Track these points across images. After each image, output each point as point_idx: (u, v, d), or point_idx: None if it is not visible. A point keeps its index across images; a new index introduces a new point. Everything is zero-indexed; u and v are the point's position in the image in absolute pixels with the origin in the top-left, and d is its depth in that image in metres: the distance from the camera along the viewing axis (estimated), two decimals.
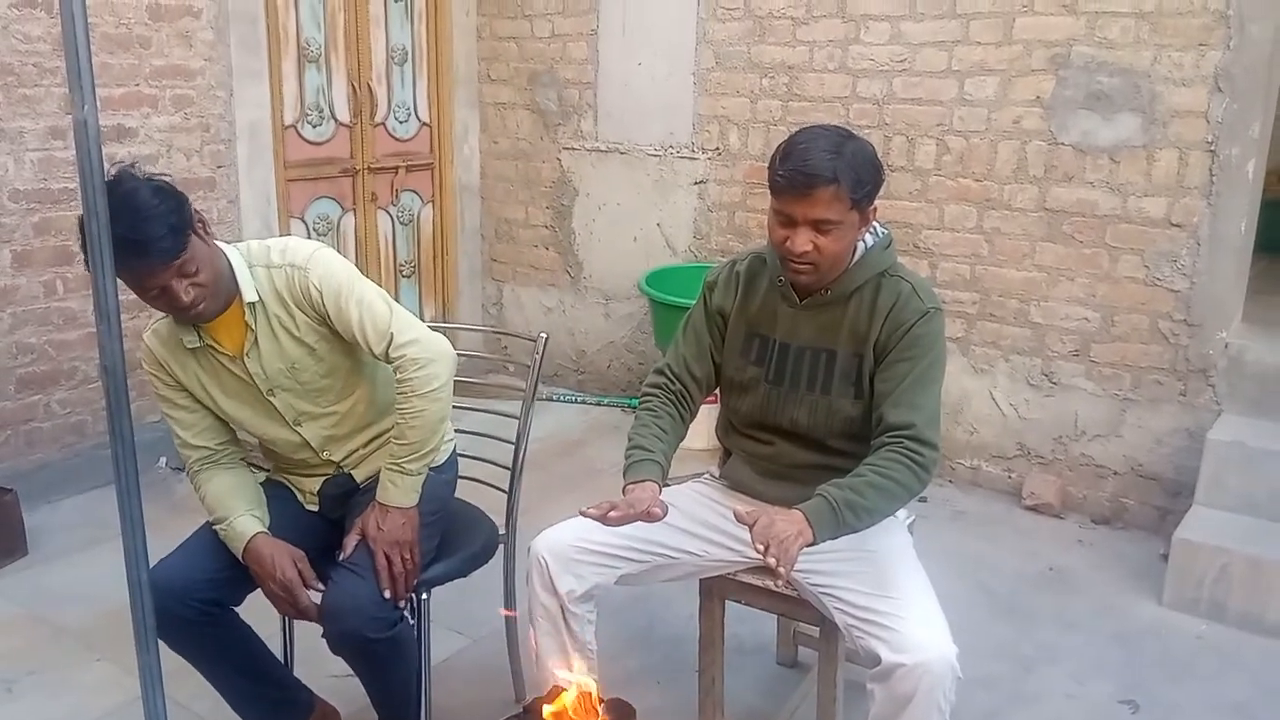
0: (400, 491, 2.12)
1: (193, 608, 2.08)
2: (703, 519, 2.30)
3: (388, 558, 2.08)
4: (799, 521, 1.89)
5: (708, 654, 2.42)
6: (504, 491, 2.60)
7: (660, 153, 4.83)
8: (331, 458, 2.27)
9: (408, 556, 2.11)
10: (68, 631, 3.04)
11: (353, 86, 4.78)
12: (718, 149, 4.65)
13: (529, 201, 5.34)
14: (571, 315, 5.32)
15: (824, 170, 1.98)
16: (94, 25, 3.80)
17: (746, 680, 2.82)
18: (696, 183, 4.75)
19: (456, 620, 3.00)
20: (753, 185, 4.58)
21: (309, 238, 4.72)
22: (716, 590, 2.36)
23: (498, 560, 2.49)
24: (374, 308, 2.10)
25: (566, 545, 2.17)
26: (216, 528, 2.16)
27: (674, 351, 2.35)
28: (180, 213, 1.95)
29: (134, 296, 4.35)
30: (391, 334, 2.08)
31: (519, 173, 5.34)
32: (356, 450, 2.29)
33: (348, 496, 2.29)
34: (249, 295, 2.08)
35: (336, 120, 4.75)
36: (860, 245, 2.14)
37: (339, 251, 2.22)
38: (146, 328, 2.22)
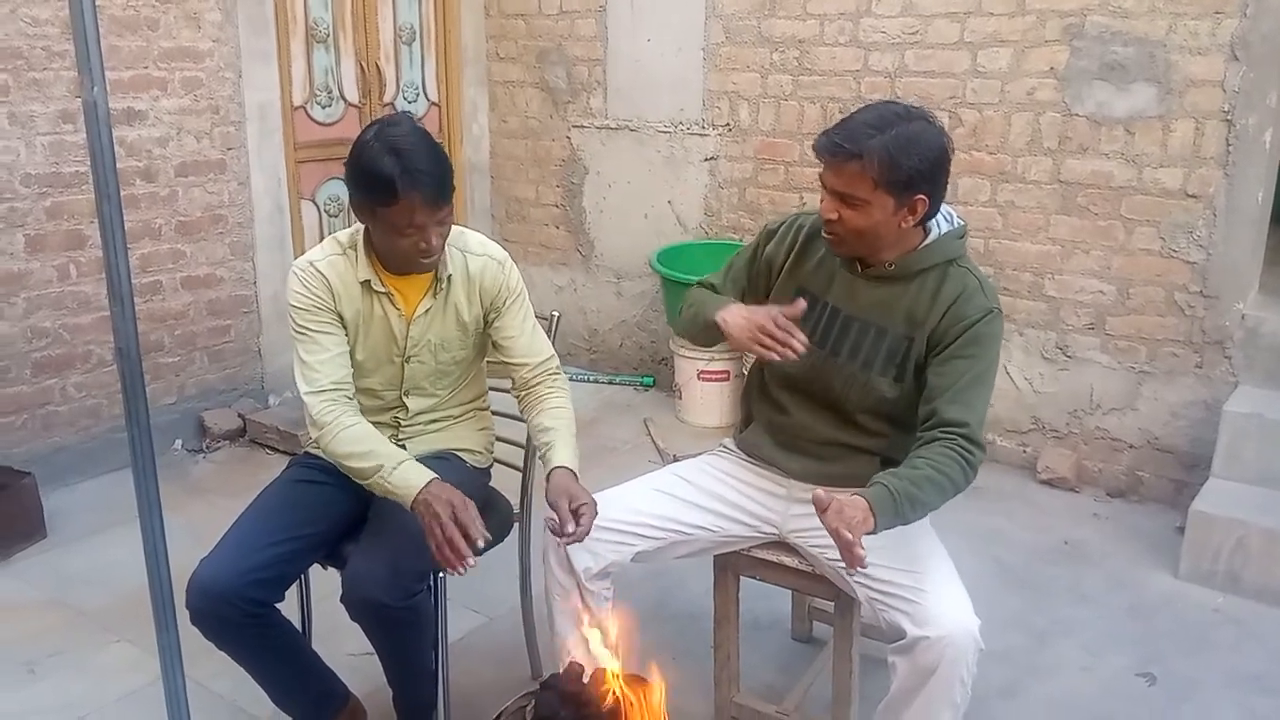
0: (577, 464, 2.21)
1: (239, 609, 2.08)
2: (718, 494, 2.30)
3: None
4: (863, 509, 1.84)
5: (722, 629, 2.42)
6: (518, 470, 2.61)
7: (670, 129, 4.81)
8: (405, 427, 2.37)
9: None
10: (88, 613, 3.06)
11: (361, 66, 4.76)
12: (728, 125, 4.63)
13: (539, 180, 5.32)
14: (583, 294, 5.31)
15: (852, 145, 1.95)
16: (102, 8, 3.79)
17: (762, 656, 2.82)
18: (707, 159, 4.73)
19: (473, 599, 3.01)
20: (764, 161, 4.56)
21: (320, 219, 4.72)
22: (731, 566, 2.36)
23: (513, 539, 2.50)
24: (539, 326, 2.40)
25: None
26: (373, 465, 2.08)
27: (719, 279, 2.36)
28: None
29: (148, 279, 4.34)
30: (553, 353, 2.38)
31: (529, 151, 5.32)
32: (421, 427, 2.38)
33: None
34: (450, 269, 2.24)
35: (346, 101, 4.74)
36: (934, 229, 2.11)
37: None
38: (316, 259, 2.22)
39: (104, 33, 3.74)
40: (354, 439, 2.13)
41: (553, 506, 2.09)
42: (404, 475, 2.07)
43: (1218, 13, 3.45)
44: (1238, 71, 3.45)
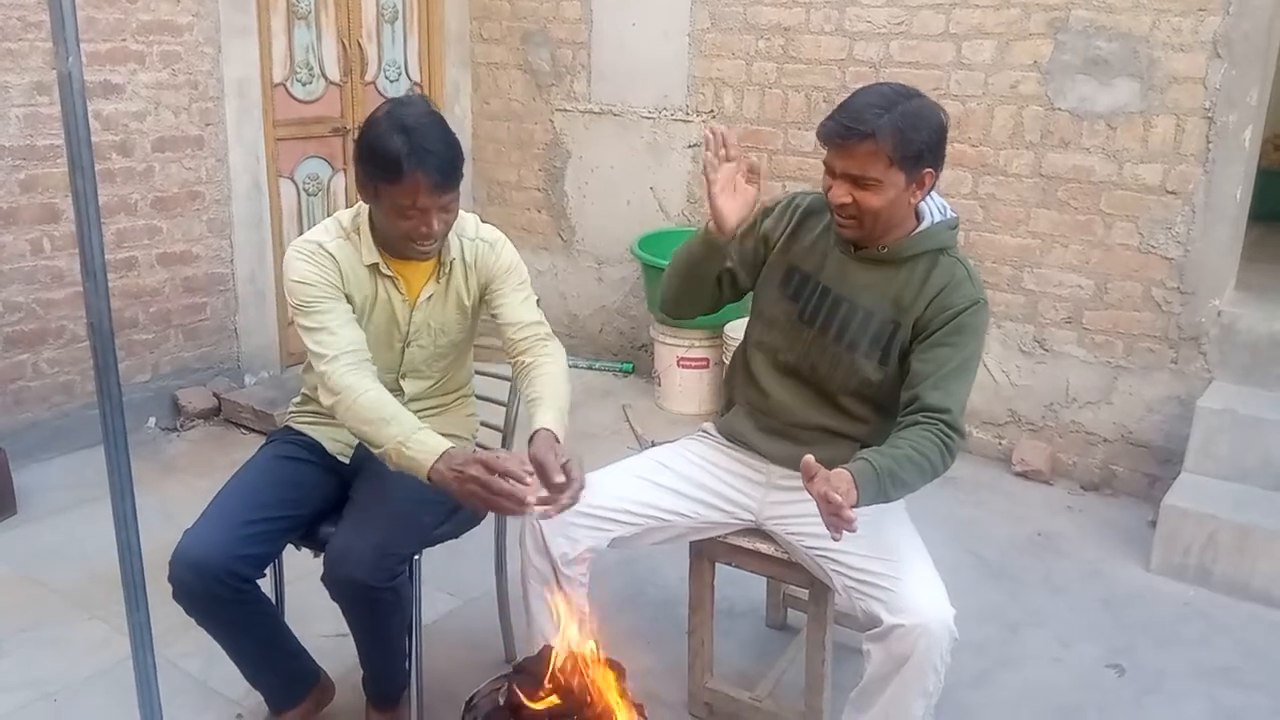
0: (563, 428, 2.10)
1: (226, 584, 2.06)
2: (696, 480, 2.30)
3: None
4: (848, 481, 1.85)
5: (697, 616, 2.43)
6: None
7: (654, 115, 4.79)
8: None
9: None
10: (58, 590, 3.03)
11: (343, 44, 4.71)
12: (712, 111, 4.61)
13: (521, 164, 5.29)
14: (564, 279, 5.29)
15: (863, 125, 1.96)
16: None
17: (736, 642, 2.83)
18: (690, 146, 4.71)
19: (447, 582, 3.00)
20: (747, 149, 4.53)
21: (298, 198, 4.68)
22: (707, 553, 2.36)
23: (488, 522, 2.49)
24: (532, 295, 2.35)
25: None
26: (390, 432, 1.99)
27: None
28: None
29: (122, 255, 4.29)
30: (542, 320, 2.32)
31: (511, 134, 5.29)
32: (414, 414, 2.28)
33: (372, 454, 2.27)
34: (453, 253, 2.23)
35: (326, 79, 4.69)
36: (927, 216, 2.12)
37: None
38: (325, 241, 2.16)
39: (81, 4, 3.70)
40: (371, 405, 2.04)
41: (537, 469, 1.96)
42: (421, 443, 1.97)
43: (1201, 10, 3.46)
44: (1219, 69, 3.46)
